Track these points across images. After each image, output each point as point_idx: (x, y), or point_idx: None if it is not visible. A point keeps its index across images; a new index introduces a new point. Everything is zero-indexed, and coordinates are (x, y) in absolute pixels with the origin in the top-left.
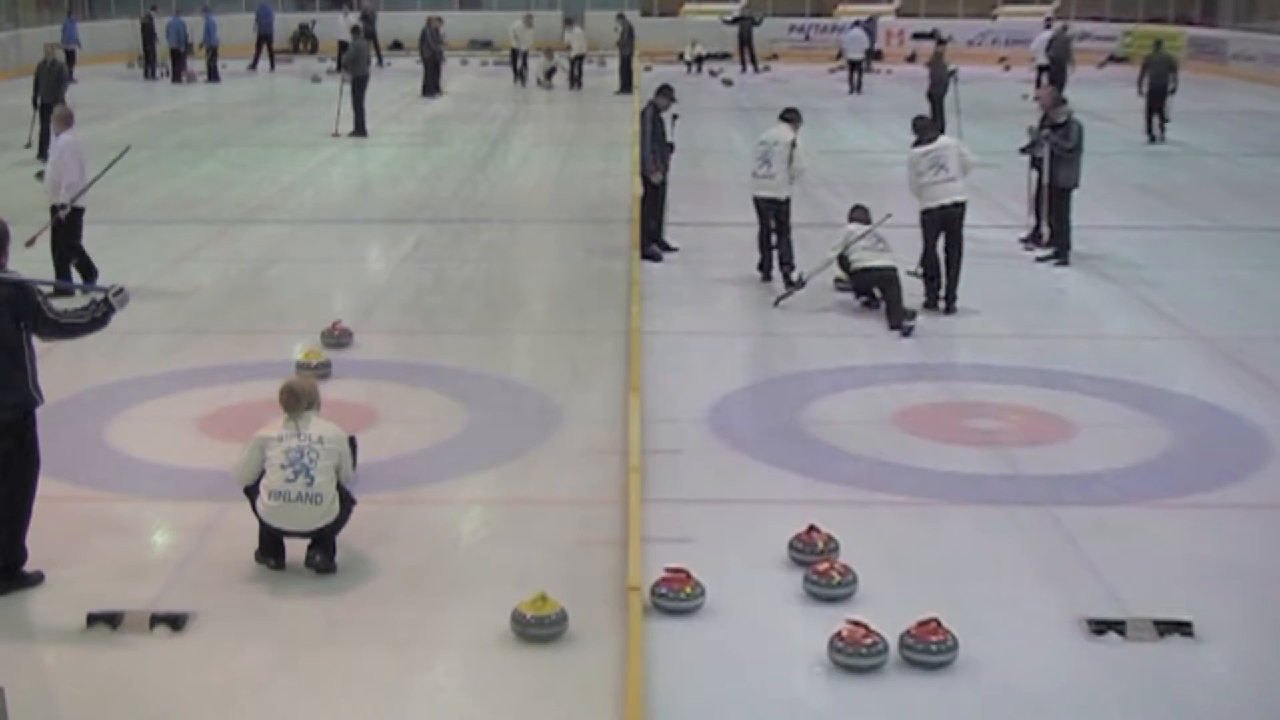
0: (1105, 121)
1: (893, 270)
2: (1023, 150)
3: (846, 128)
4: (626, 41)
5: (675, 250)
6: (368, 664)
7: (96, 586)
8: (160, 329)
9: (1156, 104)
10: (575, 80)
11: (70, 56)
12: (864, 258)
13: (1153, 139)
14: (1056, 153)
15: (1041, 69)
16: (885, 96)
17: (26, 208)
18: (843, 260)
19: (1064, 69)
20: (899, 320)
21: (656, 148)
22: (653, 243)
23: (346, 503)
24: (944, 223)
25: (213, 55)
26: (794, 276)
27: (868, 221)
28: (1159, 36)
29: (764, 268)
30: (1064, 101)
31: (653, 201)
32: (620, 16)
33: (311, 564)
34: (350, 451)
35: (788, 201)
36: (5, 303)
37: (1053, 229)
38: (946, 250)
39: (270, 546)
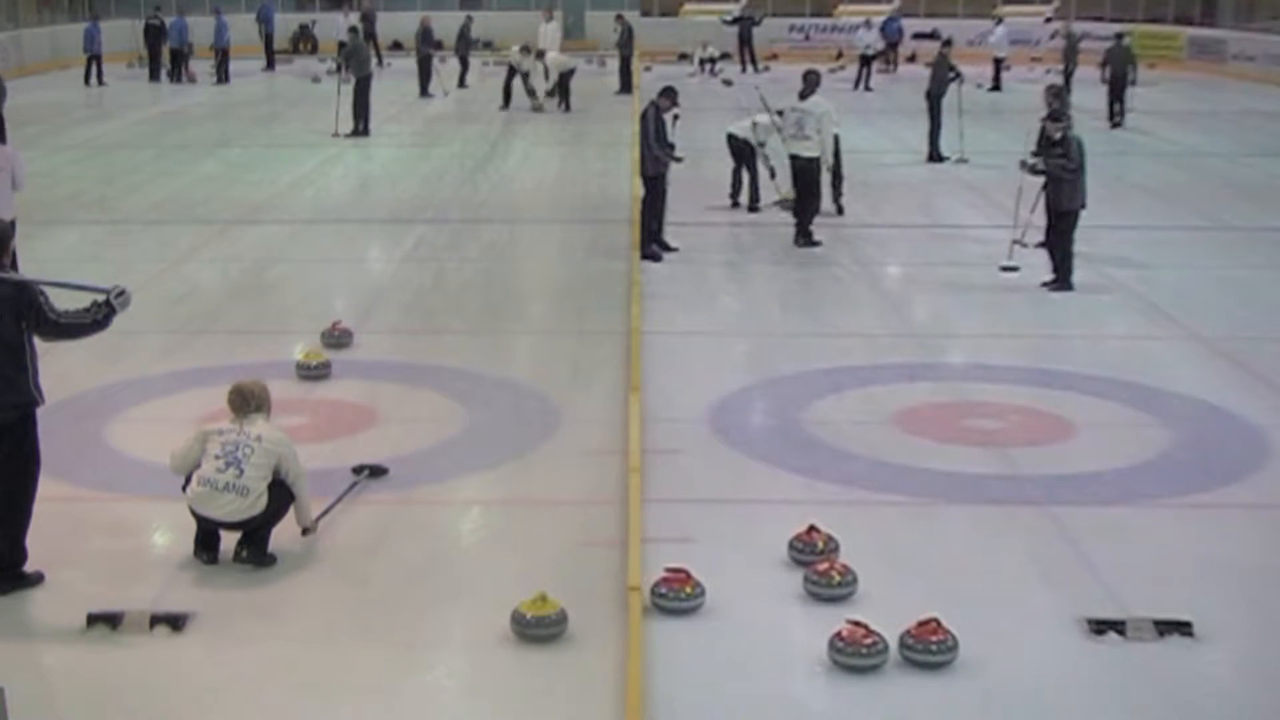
0: (1104, 121)
1: (812, 162)
2: (1035, 171)
3: (845, 128)
4: (626, 42)
5: (675, 250)
6: (368, 664)
7: (96, 586)
8: (160, 329)
9: (1117, 92)
10: (563, 100)
11: (96, 62)
12: (787, 145)
13: (1115, 125)
14: (1059, 174)
15: (998, 62)
16: (886, 96)
17: None
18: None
19: (1071, 70)
20: (804, 229)
21: (658, 147)
22: (653, 243)
23: (279, 500)
24: (800, 173)
25: (223, 56)
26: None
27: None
28: (1121, 31)
29: (734, 196)
30: (1062, 117)
31: (653, 201)
32: (620, 17)
33: (239, 558)
34: (293, 455)
35: (750, 146)
36: (6, 302)
37: (1052, 255)
38: (800, 189)
39: (204, 540)
